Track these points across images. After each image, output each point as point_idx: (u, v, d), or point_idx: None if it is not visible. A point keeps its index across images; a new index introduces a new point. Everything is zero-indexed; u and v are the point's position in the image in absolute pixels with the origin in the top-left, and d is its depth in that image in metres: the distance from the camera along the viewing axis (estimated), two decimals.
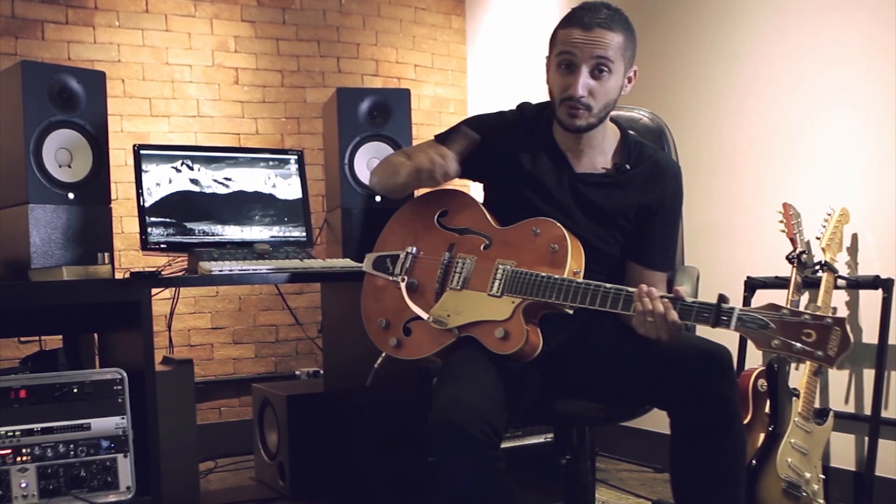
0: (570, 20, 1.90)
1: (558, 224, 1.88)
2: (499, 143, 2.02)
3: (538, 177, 1.98)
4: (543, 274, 1.81)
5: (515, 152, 2.00)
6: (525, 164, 1.99)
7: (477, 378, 1.76)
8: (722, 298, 1.64)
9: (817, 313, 1.57)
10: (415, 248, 2.04)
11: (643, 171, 1.98)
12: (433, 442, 1.69)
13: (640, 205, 1.97)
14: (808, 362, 2.56)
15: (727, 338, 1.75)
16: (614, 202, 1.96)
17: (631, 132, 2.06)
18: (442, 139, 2.08)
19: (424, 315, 1.93)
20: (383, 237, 2.15)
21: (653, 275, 1.98)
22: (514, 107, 2.11)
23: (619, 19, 1.89)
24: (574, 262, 1.84)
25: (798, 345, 1.56)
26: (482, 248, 1.95)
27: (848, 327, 1.55)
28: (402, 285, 2.00)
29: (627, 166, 1.98)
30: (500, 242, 1.94)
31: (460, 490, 1.71)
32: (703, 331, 1.91)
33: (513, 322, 1.82)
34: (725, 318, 1.63)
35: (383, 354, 2.03)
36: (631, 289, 1.73)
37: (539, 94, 2.04)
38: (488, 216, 2.00)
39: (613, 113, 2.01)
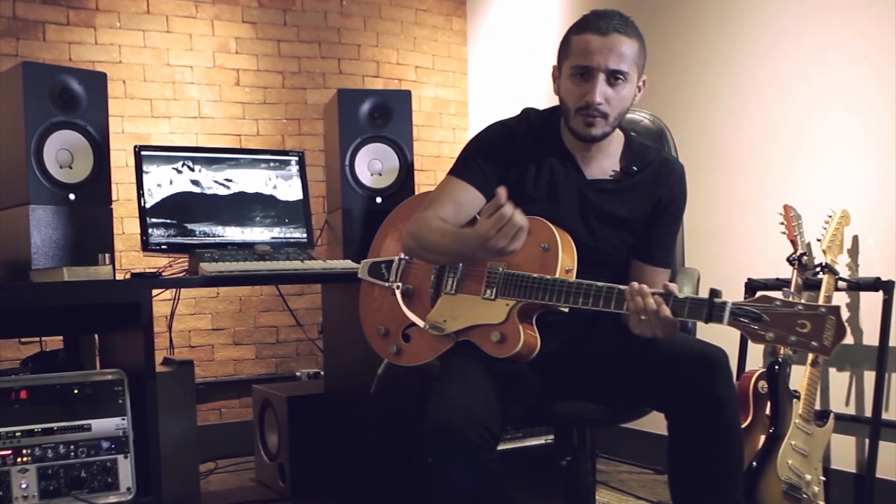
0: (585, 26, 1.86)
1: (546, 222, 1.87)
2: (508, 155, 1.98)
3: (549, 184, 1.96)
4: (535, 275, 1.80)
5: (525, 161, 1.98)
6: (535, 172, 1.97)
7: (471, 380, 1.76)
8: (714, 293, 1.62)
9: (810, 303, 1.55)
10: None
11: (651, 173, 1.98)
12: (428, 445, 1.69)
13: (650, 206, 1.97)
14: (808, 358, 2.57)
15: (728, 340, 1.75)
16: (629, 207, 1.95)
17: (632, 133, 2.05)
18: (459, 175, 1.98)
19: (420, 322, 1.93)
20: (376, 242, 2.16)
21: (656, 271, 1.98)
22: (517, 112, 2.06)
23: (633, 26, 1.88)
24: (566, 260, 1.83)
25: (793, 337, 1.54)
26: None
27: (842, 316, 1.53)
28: (398, 292, 2.00)
29: (635, 168, 1.97)
30: None
31: (456, 493, 1.71)
32: (703, 331, 1.90)
33: (508, 325, 1.82)
34: (718, 311, 1.61)
35: (385, 362, 2.03)
36: (622, 286, 1.72)
37: (540, 95, 2.04)
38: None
39: None
